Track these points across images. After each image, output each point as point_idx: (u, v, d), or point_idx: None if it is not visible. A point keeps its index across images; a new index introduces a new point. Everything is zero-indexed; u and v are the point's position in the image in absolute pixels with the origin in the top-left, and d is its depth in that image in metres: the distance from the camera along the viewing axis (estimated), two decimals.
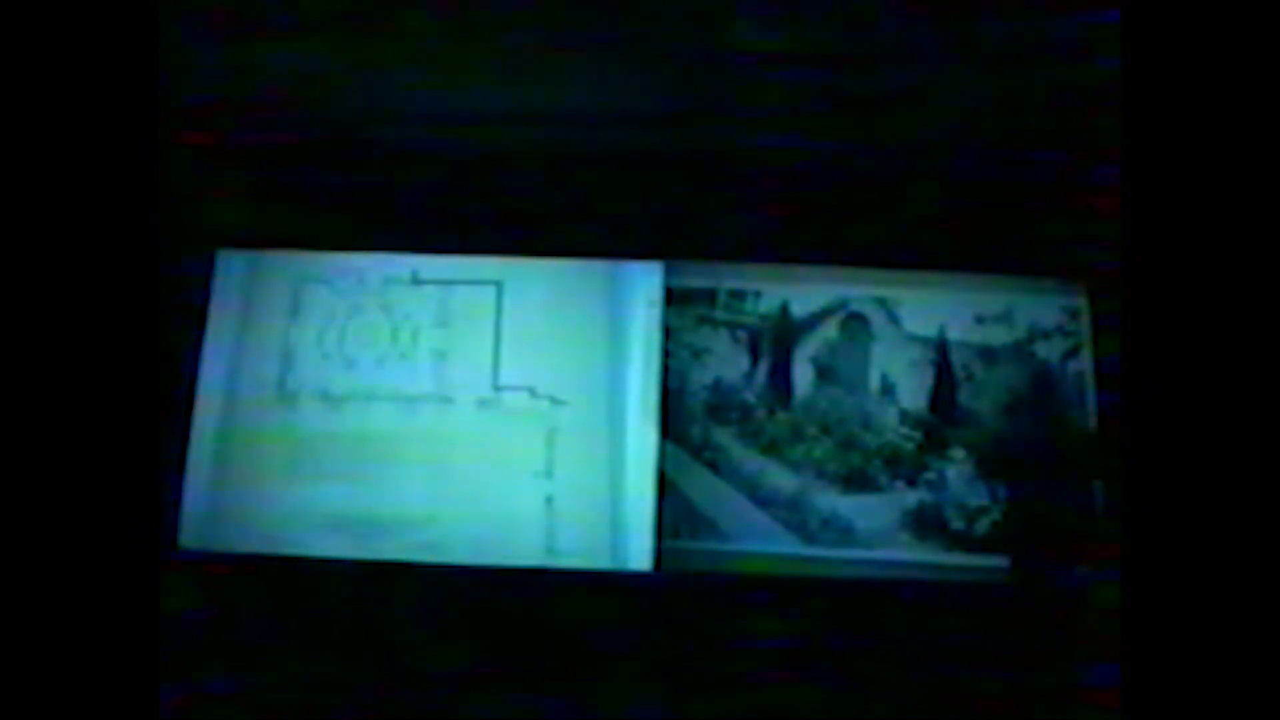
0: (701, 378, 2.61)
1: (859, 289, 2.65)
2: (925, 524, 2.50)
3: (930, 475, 2.53)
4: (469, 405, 2.58)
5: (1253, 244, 1.30)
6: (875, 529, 2.51)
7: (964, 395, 2.58)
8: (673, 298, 2.63)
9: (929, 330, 2.62)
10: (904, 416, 2.57)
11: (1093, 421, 2.53)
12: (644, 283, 2.63)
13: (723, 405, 2.59)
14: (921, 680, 2.33)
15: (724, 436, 2.57)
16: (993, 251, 2.60)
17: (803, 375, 2.61)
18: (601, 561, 2.46)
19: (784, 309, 2.65)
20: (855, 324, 2.64)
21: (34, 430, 1.28)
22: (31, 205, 1.33)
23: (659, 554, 2.45)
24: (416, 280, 2.67)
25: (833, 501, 2.52)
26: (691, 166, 2.64)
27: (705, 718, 2.29)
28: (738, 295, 2.66)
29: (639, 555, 2.45)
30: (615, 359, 2.59)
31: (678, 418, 2.56)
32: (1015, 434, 2.55)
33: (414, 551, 2.46)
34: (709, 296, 2.65)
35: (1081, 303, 2.60)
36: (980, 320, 2.61)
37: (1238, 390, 1.28)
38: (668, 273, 2.64)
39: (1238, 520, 1.25)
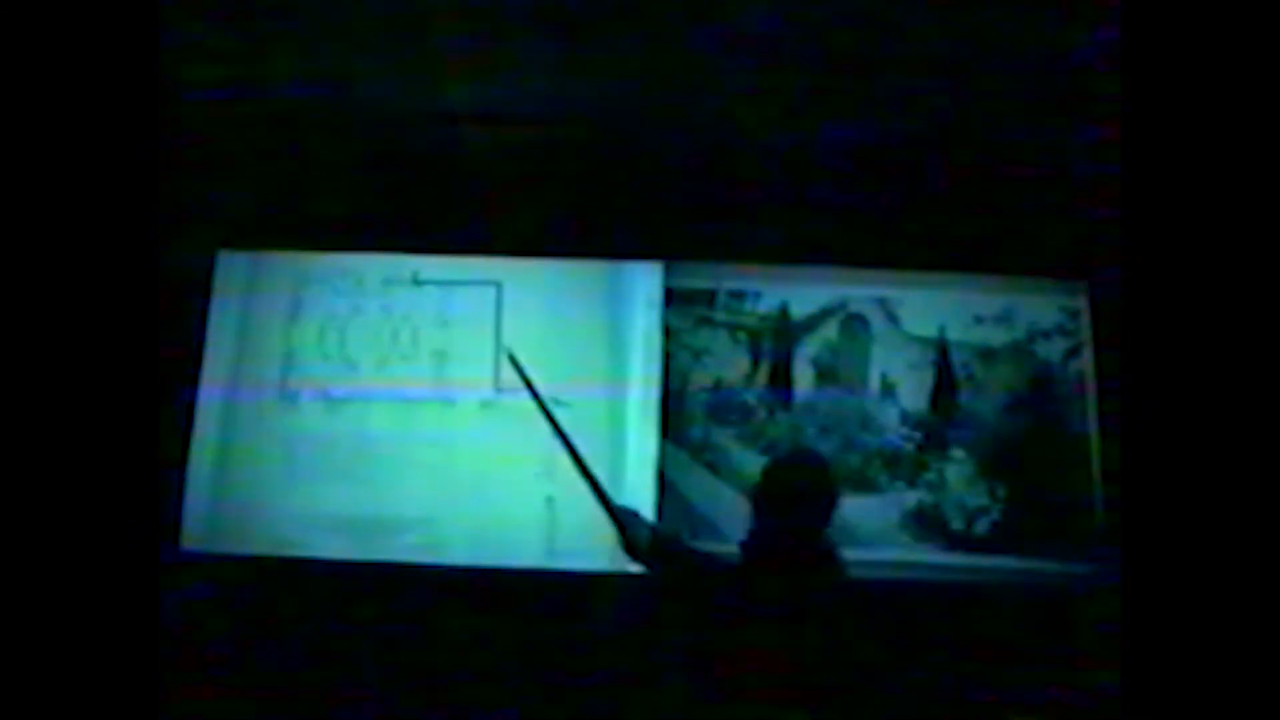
0: (701, 379, 2.61)
1: (859, 289, 2.65)
2: (925, 524, 2.51)
3: (930, 475, 2.53)
4: (470, 406, 2.58)
5: (1252, 244, 1.30)
6: (875, 529, 2.51)
7: (964, 395, 2.58)
8: (673, 298, 2.63)
9: (929, 330, 2.62)
10: (904, 417, 2.57)
11: (1093, 421, 2.53)
12: (644, 283, 2.63)
13: (723, 406, 2.59)
14: (922, 679, 2.33)
15: (724, 437, 2.57)
16: (993, 251, 2.60)
17: (803, 376, 2.61)
18: (601, 562, 2.46)
19: (784, 309, 2.65)
20: (855, 324, 2.64)
21: (35, 432, 1.28)
22: (32, 206, 1.33)
23: None
24: (416, 280, 2.67)
25: None
26: (691, 166, 2.64)
27: (705, 715, 2.29)
28: (738, 296, 2.66)
29: None
30: (615, 359, 2.59)
31: (678, 418, 2.56)
32: (1015, 434, 2.55)
33: (415, 552, 2.46)
34: (709, 297, 2.65)
35: (1081, 303, 2.60)
36: (980, 320, 2.61)
37: (1237, 390, 1.28)
38: (668, 273, 2.64)
39: (1237, 519, 1.25)
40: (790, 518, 1.97)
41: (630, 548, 1.98)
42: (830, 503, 1.99)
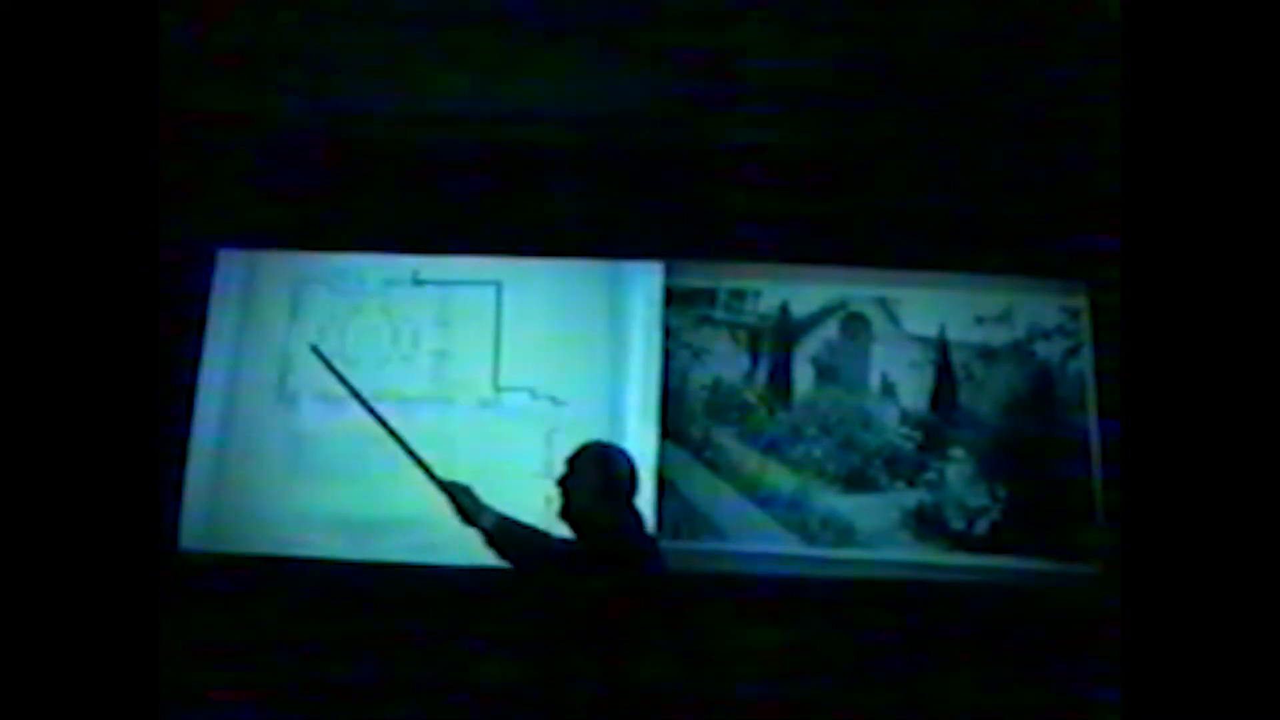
0: (701, 377, 2.61)
1: (859, 289, 2.65)
2: (925, 524, 2.51)
3: (930, 475, 2.53)
4: (469, 405, 2.58)
5: (1252, 244, 1.30)
6: (875, 529, 2.51)
7: (964, 395, 2.58)
8: (673, 298, 2.63)
9: (929, 330, 2.62)
10: (904, 416, 2.57)
11: (1093, 421, 2.53)
12: (644, 283, 2.63)
13: (723, 405, 2.59)
14: (921, 679, 2.33)
15: (724, 436, 2.57)
16: (993, 251, 2.61)
17: (803, 375, 2.61)
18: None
19: (784, 309, 2.65)
20: (855, 324, 2.64)
21: (34, 431, 1.28)
22: (33, 206, 1.33)
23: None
24: (416, 280, 2.67)
25: (833, 501, 2.52)
26: (691, 166, 2.64)
27: (706, 715, 2.29)
28: (738, 295, 2.66)
29: None
30: (615, 359, 2.59)
31: (678, 417, 2.56)
32: (1015, 434, 2.55)
33: (414, 552, 2.46)
34: (709, 296, 2.65)
35: (1081, 303, 2.60)
36: (980, 320, 2.61)
37: (1237, 389, 1.28)
38: (668, 273, 2.64)
39: (1237, 519, 1.25)
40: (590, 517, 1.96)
41: (466, 517, 2.03)
42: (625, 497, 1.95)
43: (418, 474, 2.54)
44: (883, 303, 2.63)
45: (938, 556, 2.48)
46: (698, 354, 2.61)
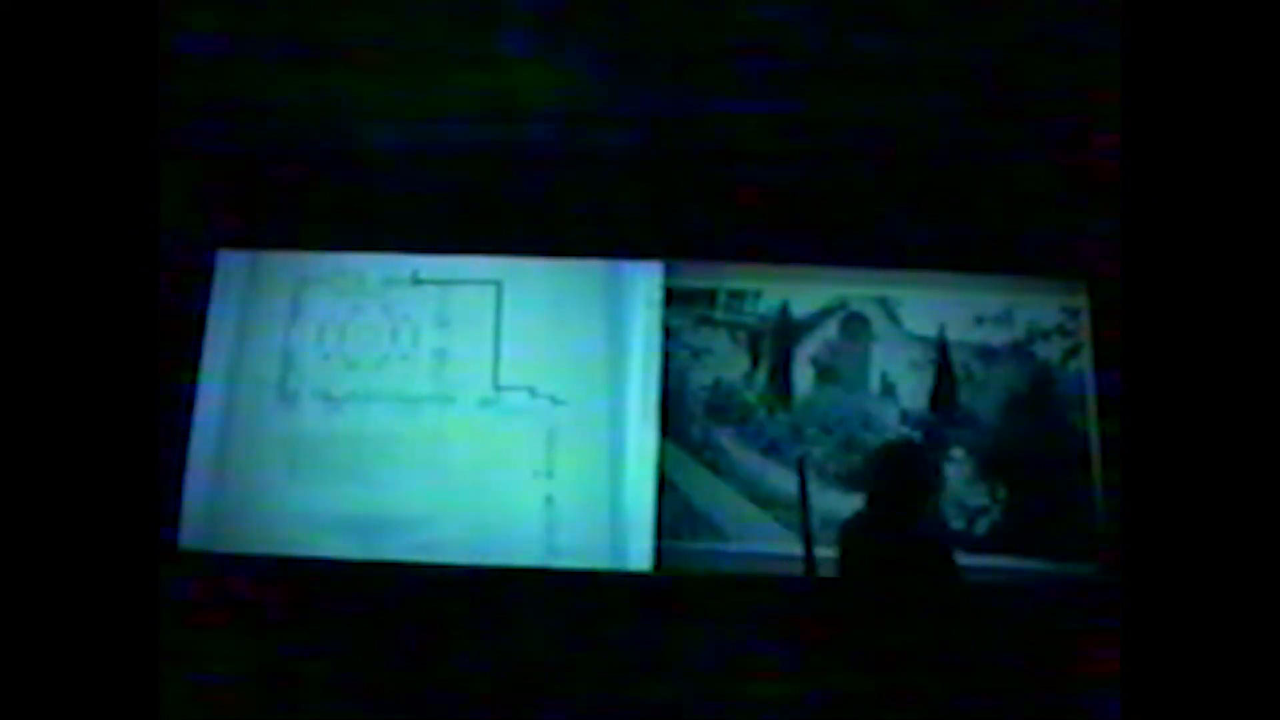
0: (701, 378, 2.61)
1: (859, 289, 2.65)
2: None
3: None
4: (469, 405, 2.58)
5: (1252, 244, 1.30)
6: None
7: (964, 395, 2.58)
8: (673, 298, 2.63)
9: (929, 330, 2.62)
10: (904, 416, 2.57)
11: (1093, 421, 2.53)
12: (644, 283, 2.63)
13: (723, 405, 2.59)
14: (921, 679, 2.33)
15: (724, 436, 2.57)
16: (993, 251, 2.61)
17: (803, 375, 2.61)
18: (601, 561, 2.46)
19: (784, 309, 2.65)
20: (855, 324, 2.64)
21: (34, 431, 1.28)
22: (33, 206, 1.33)
23: (659, 554, 2.45)
24: (416, 280, 2.67)
25: (833, 501, 2.52)
26: (691, 167, 2.64)
27: (704, 716, 2.29)
28: (738, 295, 2.66)
29: (639, 555, 2.45)
30: (615, 359, 2.59)
31: (678, 418, 2.56)
32: (1015, 434, 2.55)
33: (415, 551, 2.46)
34: (709, 297, 2.65)
35: (1081, 303, 2.61)
36: (980, 320, 2.61)
37: (1238, 389, 1.28)
38: (668, 273, 2.64)
39: (1237, 519, 1.25)
40: (889, 503, 2.04)
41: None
42: (925, 494, 2.06)
43: (418, 473, 2.56)
44: (883, 303, 2.63)
45: None
46: (698, 354, 2.61)
